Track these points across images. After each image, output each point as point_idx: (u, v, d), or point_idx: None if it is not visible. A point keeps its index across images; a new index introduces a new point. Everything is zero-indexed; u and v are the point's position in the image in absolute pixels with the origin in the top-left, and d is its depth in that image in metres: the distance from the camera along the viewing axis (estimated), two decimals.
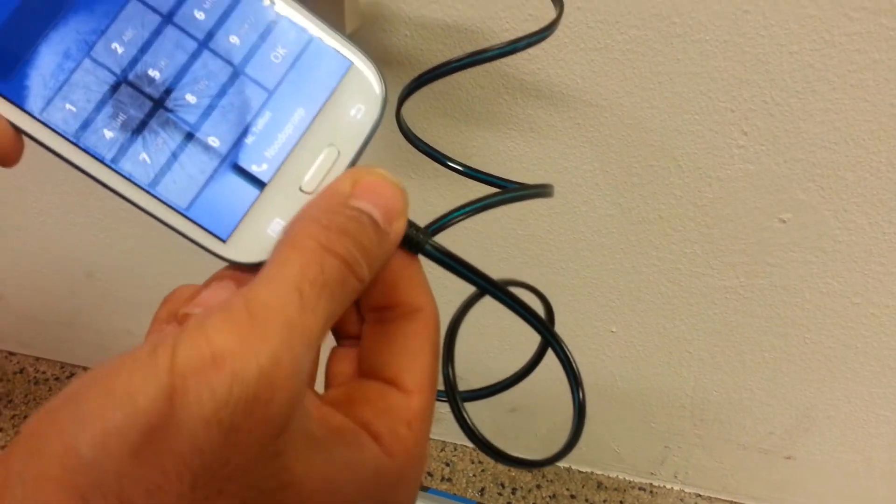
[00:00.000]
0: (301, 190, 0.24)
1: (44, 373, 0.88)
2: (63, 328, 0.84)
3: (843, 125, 0.45)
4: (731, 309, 0.56)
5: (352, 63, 0.25)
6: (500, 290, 0.26)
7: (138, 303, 0.76)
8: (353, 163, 0.25)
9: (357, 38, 0.49)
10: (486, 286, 0.26)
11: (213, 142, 0.24)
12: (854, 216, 0.49)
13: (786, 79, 0.44)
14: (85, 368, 0.87)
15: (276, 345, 0.19)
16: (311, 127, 0.24)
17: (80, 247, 0.72)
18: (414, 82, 0.37)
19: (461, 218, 0.28)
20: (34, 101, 0.23)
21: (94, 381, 0.19)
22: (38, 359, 0.89)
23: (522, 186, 0.32)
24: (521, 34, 0.46)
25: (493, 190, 0.30)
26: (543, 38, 0.36)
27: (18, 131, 0.23)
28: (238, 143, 0.24)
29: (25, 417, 0.86)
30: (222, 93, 0.24)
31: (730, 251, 0.53)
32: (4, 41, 0.23)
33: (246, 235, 0.24)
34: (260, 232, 0.24)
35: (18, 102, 0.23)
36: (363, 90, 0.25)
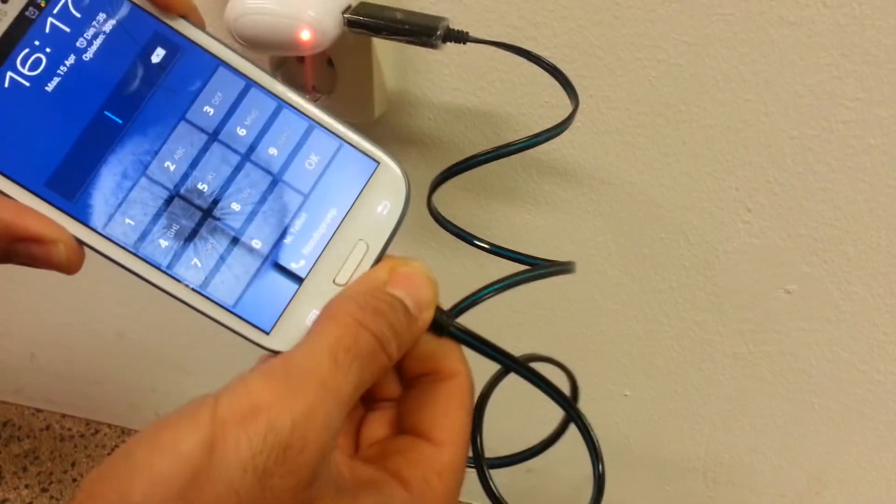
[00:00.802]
0: (335, 283, 0.27)
1: (69, 429, 0.90)
2: (90, 386, 0.86)
3: (843, 203, 0.48)
4: (741, 374, 0.58)
5: (378, 164, 0.27)
6: (523, 368, 0.29)
7: (165, 362, 0.78)
8: (381, 255, 0.27)
9: (384, 122, 0.52)
10: (510, 364, 0.29)
11: (256, 244, 0.26)
12: (856, 288, 0.51)
13: (787, 161, 0.47)
14: (110, 426, 0.89)
15: (310, 401, 0.22)
16: (342, 224, 0.27)
17: (112, 308, 0.75)
18: (444, 174, 0.40)
19: (486, 298, 0.31)
20: (98, 218, 0.25)
21: (144, 437, 0.21)
22: (64, 416, 0.91)
23: (546, 264, 0.34)
24: (537, 119, 0.50)
25: (517, 267, 0.32)
26: (562, 132, 0.39)
27: (82, 245, 0.25)
28: (278, 243, 0.26)
29: (51, 474, 0.88)
30: (263, 199, 0.26)
31: (738, 319, 0.56)
32: (70, 167, 0.25)
33: (287, 327, 0.26)
34: (299, 323, 0.26)
35: (84, 220, 0.25)
36: (389, 188, 0.27)
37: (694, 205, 0.51)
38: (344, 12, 0.42)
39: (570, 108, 0.42)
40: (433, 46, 0.42)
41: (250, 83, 0.27)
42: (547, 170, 0.53)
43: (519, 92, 0.49)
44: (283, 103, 0.27)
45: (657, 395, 0.62)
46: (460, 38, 0.42)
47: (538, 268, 0.33)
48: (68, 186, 0.25)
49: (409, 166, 0.55)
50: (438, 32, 0.42)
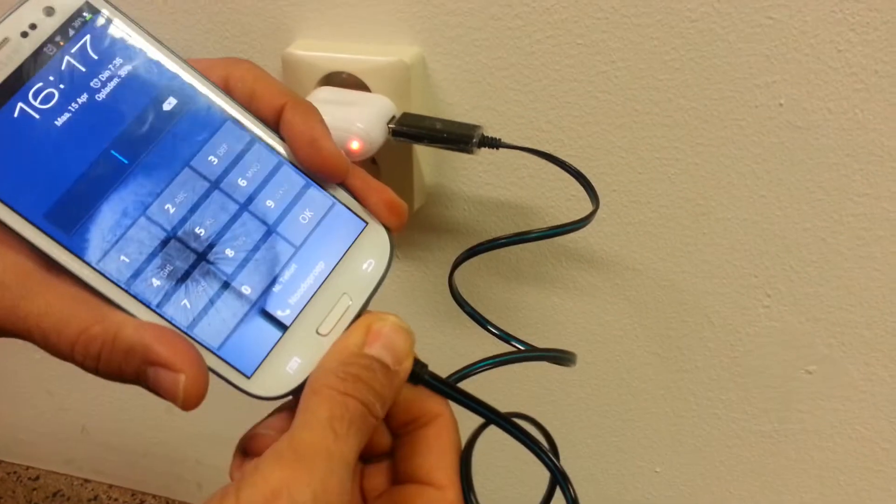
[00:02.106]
0: (317, 333, 0.27)
1: (116, 500, 0.93)
2: (137, 457, 0.90)
3: (857, 290, 0.51)
4: (767, 452, 0.60)
5: (366, 224, 0.29)
6: (501, 419, 0.29)
7: (209, 435, 0.81)
8: (363, 310, 0.28)
9: (423, 212, 0.56)
10: (487, 414, 0.29)
11: (246, 290, 0.27)
12: (875, 369, 0.53)
13: (801, 251, 0.50)
14: (155, 496, 0.92)
15: (323, 472, 0.24)
16: (329, 278, 0.28)
17: None
18: (464, 254, 0.43)
19: (480, 371, 0.33)
20: (93, 253, 0.25)
21: None
22: (111, 486, 0.94)
23: (543, 351, 0.37)
24: (564, 211, 0.53)
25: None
26: (581, 228, 0.43)
27: (77, 280, 0.25)
28: (266, 291, 0.27)
29: None
30: (256, 248, 0.27)
31: (762, 399, 0.58)
32: (70, 201, 0.25)
33: (268, 373, 0.27)
34: (280, 370, 0.27)
35: (79, 254, 0.25)
36: (375, 247, 0.29)
37: (715, 290, 0.54)
38: (389, 122, 0.47)
39: (591, 203, 0.45)
40: (469, 152, 0.46)
41: (254, 139, 0.28)
42: (575, 257, 0.56)
43: (547, 187, 0.53)
44: (283, 160, 0.28)
45: (687, 472, 0.64)
46: (493, 144, 0.47)
47: (534, 350, 0.35)
48: (67, 219, 0.25)
49: (444, 253, 0.59)
50: (474, 140, 0.46)
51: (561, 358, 0.36)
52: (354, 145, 0.45)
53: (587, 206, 0.52)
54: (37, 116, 0.25)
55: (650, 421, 0.63)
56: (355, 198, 0.29)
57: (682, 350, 0.58)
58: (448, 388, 0.29)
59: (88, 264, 0.25)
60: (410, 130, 0.47)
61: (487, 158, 0.53)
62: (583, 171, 0.46)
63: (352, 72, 0.49)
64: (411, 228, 0.58)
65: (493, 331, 0.43)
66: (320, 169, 0.28)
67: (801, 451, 0.59)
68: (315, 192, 0.29)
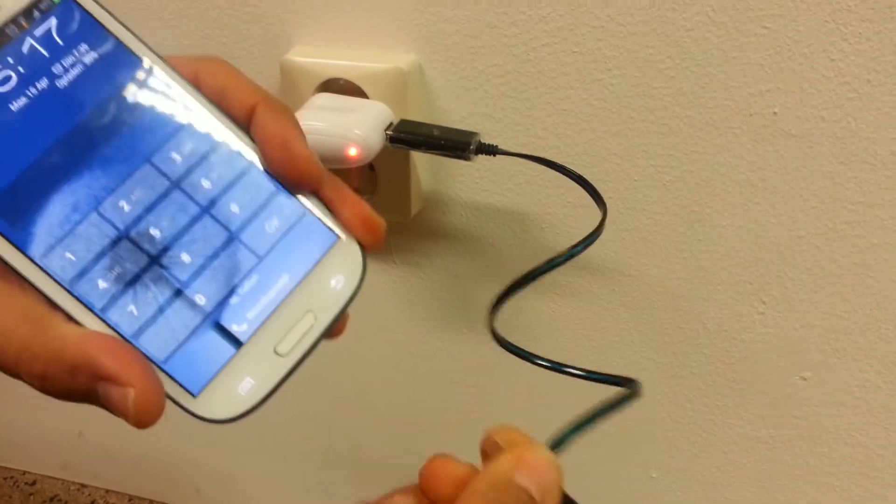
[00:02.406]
0: (276, 352, 0.25)
1: None
2: (134, 463, 0.90)
3: (852, 296, 0.51)
4: (762, 458, 0.60)
5: (338, 238, 0.27)
6: None
7: (207, 440, 0.81)
8: (327, 330, 0.26)
9: (419, 219, 0.57)
10: None
11: (200, 299, 0.25)
12: (869, 375, 0.54)
13: (796, 258, 0.50)
14: (152, 501, 0.92)
15: None
16: (293, 293, 0.26)
17: None
18: (504, 293, 0.43)
19: (580, 433, 0.33)
20: (37, 247, 0.24)
21: None
22: (108, 491, 0.94)
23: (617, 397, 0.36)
24: (561, 217, 0.54)
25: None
26: (597, 237, 0.43)
27: (15, 273, 0.23)
28: (223, 302, 0.25)
29: None
30: (215, 255, 0.25)
31: (758, 405, 0.58)
32: (19, 190, 0.24)
33: (217, 393, 0.25)
34: (231, 390, 0.25)
35: (22, 247, 0.23)
36: (345, 263, 0.27)
37: (711, 296, 0.54)
38: (386, 129, 0.47)
39: (591, 207, 0.46)
40: (466, 159, 0.47)
41: (222, 139, 0.26)
42: (571, 263, 0.56)
43: (544, 193, 0.53)
44: (252, 163, 0.26)
45: (683, 478, 0.64)
46: (490, 150, 0.47)
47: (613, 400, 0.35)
48: (13, 209, 0.23)
49: (442, 259, 0.59)
50: (471, 147, 0.46)
51: (630, 394, 0.36)
52: (352, 151, 0.45)
53: (584, 212, 0.53)
54: None
55: (645, 426, 0.63)
56: (328, 209, 0.27)
57: (678, 356, 0.58)
58: None
59: (31, 259, 0.23)
60: (408, 137, 0.47)
61: (484, 165, 0.53)
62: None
63: (349, 78, 0.49)
64: (409, 234, 0.59)
65: (545, 364, 0.42)
66: (291, 174, 0.26)
67: (796, 457, 0.59)
68: (285, 200, 0.27)
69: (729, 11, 0.43)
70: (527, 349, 0.42)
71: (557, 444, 0.29)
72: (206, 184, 0.26)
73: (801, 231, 0.49)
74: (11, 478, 0.96)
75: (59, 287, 0.24)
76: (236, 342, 0.25)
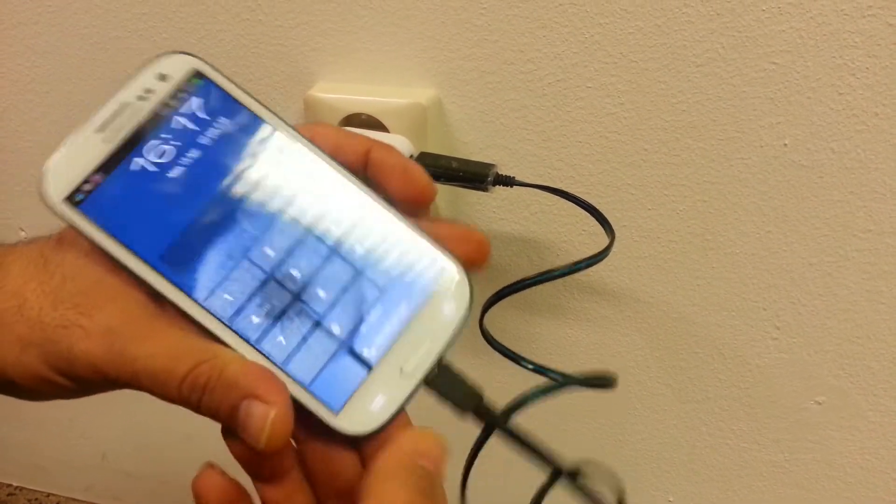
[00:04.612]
0: (401, 373, 0.29)
1: None
2: (157, 485, 0.91)
3: (864, 322, 0.52)
4: (778, 482, 0.61)
5: (448, 269, 0.30)
6: (569, 475, 0.31)
7: (228, 462, 0.83)
8: (443, 352, 0.29)
9: None
10: (556, 469, 0.31)
11: (335, 329, 0.28)
12: (883, 400, 0.54)
13: (808, 284, 0.51)
14: None
15: None
16: (412, 321, 0.29)
17: (183, 411, 0.81)
18: (493, 298, 0.45)
19: (534, 401, 0.34)
20: (201, 291, 0.27)
21: None
22: None
23: (584, 378, 0.38)
24: (577, 245, 0.55)
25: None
26: (600, 260, 0.44)
27: (186, 317, 0.27)
28: (354, 331, 0.29)
29: None
30: (345, 289, 0.29)
31: (773, 429, 0.59)
32: (182, 245, 0.28)
33: (354, 410, 0.28)
34: (365, 407, 0.28)
35: (188, 292, 0.27)
36: (456, 294, 0.30)
37: (725, 322, 0.55)
38: None
39: (605, 236, 0.47)
40: (484, 190, 0.48)
41: (345, 188, 0.30)
42: (587, 289, 0.58)
43: (559, 222, 0.55)
44: (372, 206, 0.30)
45: (700, 502, 0.65)
46: (508, 182, 0.48)
47: (576, 377, 0.36)
48: (179, 261, 0.28)
49: None
50: (489, 178, 0.48)
51: (601, 382, 0.37)
52: None
53: (599, 240, 0.54)
54: (153, 170, 0.28)
55: (663, 451, 0.63)
56: (438, 243, 0.30)
57: (694, 381, 0.59)
58: (524, 441, 0.31)
59: (196, 302, 0.27)
60: (428, 169, 0.47)
61: (501, 195, 0.55)
62: (593, 204, 0.47)
63: (371, 113, 0.51)
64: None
65: (529, 366, 0.44)
66: (414, 193, 0.30)
67: (812, 481, 0.60)
68: (401, 239, 0.30)
69: (738, 48, 0.45)
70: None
71: (517, 406, 0.31)
72: (333, 228, 0.29)
73: (813, 258, 0.50)
74: (36, 500, 0.97)
75: (221, 324, 0.27)
76: (367, 365, 0.29)
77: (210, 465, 0.28)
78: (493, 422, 0.30)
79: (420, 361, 0.29)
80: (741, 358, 0.56)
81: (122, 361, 0.27)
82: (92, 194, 0.27)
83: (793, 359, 0.55)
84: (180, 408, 0.76)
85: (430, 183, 0.31)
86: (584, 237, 0.55)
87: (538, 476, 0.32)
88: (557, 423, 0.65)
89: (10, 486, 0.99)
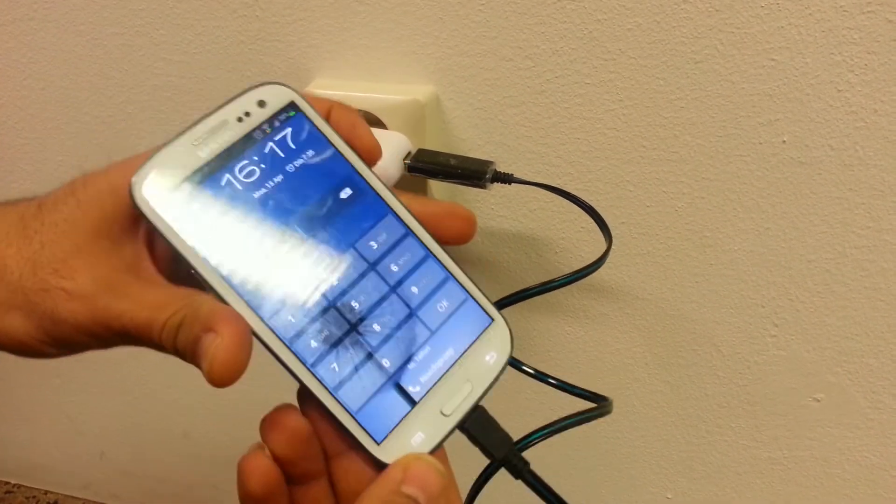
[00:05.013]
0: (441, 413, 0.30)
1: None
2: (155, 483, 0.91)
3: (863, 320, 0.52)
4: (777, 479, 0.61)
5: (493, 320, 0.33)
6: None
7: (228, 460, 0.83)
8: (482, 397, 0.31)
9: None
10: None
11: (385, 363, 0.30)
12: (882, 397, 0.54)
13: (807, 281, 0.51)
14: None
15: None
16: (456, 364, 0.31)
17: (180, 409, 0.81)
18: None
19: (547, 436, 0.35)
20: (267, 310, 0.29)
21: None
22: None
23: (590, 410, 0.38)
24: (575, 242, 0.55)
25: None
26: (598, 268, 0.44)
27: (251, 330, 0.28)
28: (402, 367, 0.30)
29: None
30: (399, 327, 0.31)
31: (772, 426, 0.59)
32: (256, 262, 0.29)
33: (395, 442, 0.29)
34: (405, 441, 0.29)
35: (256, 310, 0.29)
36: (498, 342, 0.32)
37: (723, 319, 0.55)
38: (405, 159, 0.49)
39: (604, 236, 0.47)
40: (482, 187, 0.48)
41: (408, 232, 0.32)
42: (586, 287, 0.58)
43: (557, 219, 0.55)
44: (429, 253, 0.32)
45: (698, 499, 0.65)
46: (506, 179, 0.48)
47: (587, 412, 0.37)
48: (250, 278, 0.29)
49: None
50: (487, 175, 0.48)
51: (602, 412, 0.38)
52: None
53: (597, 237, 0.54)
54: (239, 188, 0.29)
55: (660, 447, 0.63)
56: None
57: (692, 378, 0.59)
58: (547, 493, 0.32)
59: (261, 318, 0.28)
60: (426, 166, 0.49)
61: (499, 192, 0.54)
62: (592, 203, 0.47)
63: (369, 110, 0.51)
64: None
65: (529, 371, 0.44)
66: (359, 149, 0.32)
67: (810, 478, 0.60)
68: (452, 286, 0.32)
69: (737, 45, 0.44)
70: (540, 370, 0.44)
71: (523, 444, 0.33)
72: (394, 268, 0.31)
73: (812, 255, 0.50)
74: (34, 497, 0.97)
75: (281, 343, 0.29)
76: (411, 401, 0.30)
77: (260, 447, 0.29)
78: (521, 470, 0.32)
79: (460, 404, 0.31)
80: (739, 355, 0.56)
81: (109, 317, 0.28)
82: (179, 200, 0.28)
83: (791, 356, 0.55)
84: (178, 406, 0.76)
85: (375, 143, 0.33)
86: (582, 234, 0.55)
87: None
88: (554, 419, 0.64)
89: (7, 483, 0.99)
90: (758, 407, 0.58)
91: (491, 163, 0.49)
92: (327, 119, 0.32)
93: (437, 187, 0.54)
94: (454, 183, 0.49)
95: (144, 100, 0.60)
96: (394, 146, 0.49)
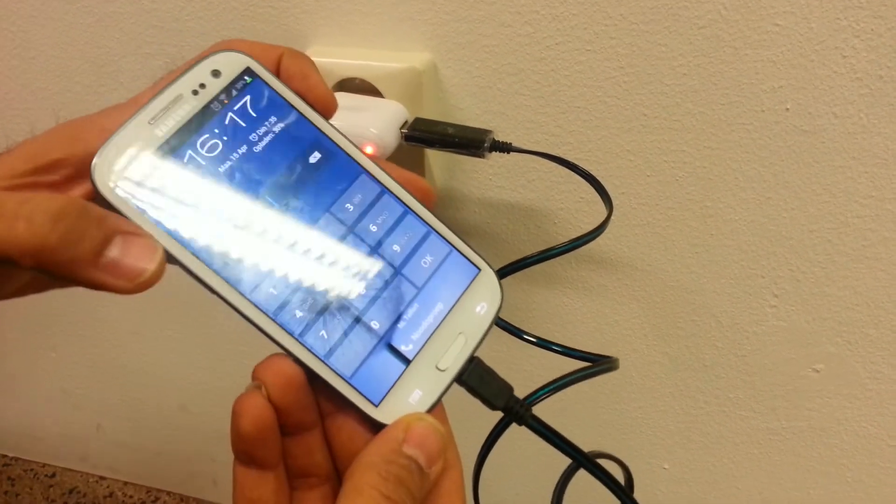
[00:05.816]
0: (437, 368, 0.30)
1: (131, 496, 0.95)
2: (152, 455, 0.91)
3: (863, 290, 0.51)
4: (775, 449, 0.61)
5: (480, 270, 0.32)
6: (589, 462, 0.33)
7: (225, 434, 0.83)
8: (476, 348, 0.31)
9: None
10: (577, 458, 0.33)
11: (375, 325, 0.30)
12: (881, 367, 0.54)
13: (808, 252, 0.51)
14: (170, 493, 0.93)
15: None
16: (447, 318, 0.31)
17: (177, 383, 0.81)
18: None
19: (554, 391, 0.35)
20: (247, 285, 0.28)
21: None
22: (126, 483, 0.96)
23: (594, 364, 0.39)
24: (574, 213, 0.54)
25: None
26: (598, 235, 0.44)
27: (229, 306, 0.28)
28: (392, 327, 0.30)
29: None
30: (384, 287, 0.30)
31: (770, 396, 0.59)
32: (231, 237, 0.28)
33: (393, 402, 0.29)
34: (403, 400, 0.29)
35: (235, 286, 0.28)
36: (487, 292, 0.32)
37: (723, 290, 0.55)
38: (401, 127, 0.48)
39: (604, 205, 0.46)
40: (480, 156, 0.47)
41: (384, 190, 0.31)
42: (584, 257, 0.57)
43: (557, 189, 0.54)
44: (408, 209, 0.31)
45: (696, 469, 0.65)
46: (504, 148, 0.48)
47: (589, 367, 0.38)
48: (226, 254, 0.28)
49: None
50: (485, 144, 0.47)
51: (606, 368, 0.38)
52: (368, 150, 0.46)
53: (597, 207, 0.54)
54: (203, 163, 0.28)
55: (658, 418, 0.63)
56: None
57: (691, 349, 0.59)
58: (550, 433, 0.32)
59: (242, 294, 0.28)
60: (423, 135, 0.48)
61: (498, 162, 0.54)
62: (592, 173, 0.47)
63: (365, 78, 0.50)
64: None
65: (531, 339, 0.44)
66: (313, 100, 0.31)
67: (808, 448, 0.60)
68: (435, 240, 0.32)
69: (741, 9, 0.43)
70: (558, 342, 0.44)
71: (530, 400, 0.33)
72: (373, 228, 0.31)
73: (814, 225, 0.50)
74: (31, 470, 0.98)
75: (266, 317, 0.28)
76: (405, 360, 0.30)
77: (257, 386, 0.28)
78: (523, 416, 0.32)
79: (455, 357, 0.30)
80: (739, 326, 0.56)
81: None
82: (142, 182, 0.27)
83: (791, 326, 0.55)
84: (174, 379, 0.75)
85: (328, 93, 0.32)
86: (581, 204, 0.54)
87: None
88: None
89: (5, 456, 0.99)
90: (756, 377, 0.58)
91: (489, 132, 0.48)
92: (278, 70, 0.31)
93: (434, 157, 0.53)
94: (452, 152, 0.48)
95: (137, 68, 0.59)
96: (390, 115, 0.48)
